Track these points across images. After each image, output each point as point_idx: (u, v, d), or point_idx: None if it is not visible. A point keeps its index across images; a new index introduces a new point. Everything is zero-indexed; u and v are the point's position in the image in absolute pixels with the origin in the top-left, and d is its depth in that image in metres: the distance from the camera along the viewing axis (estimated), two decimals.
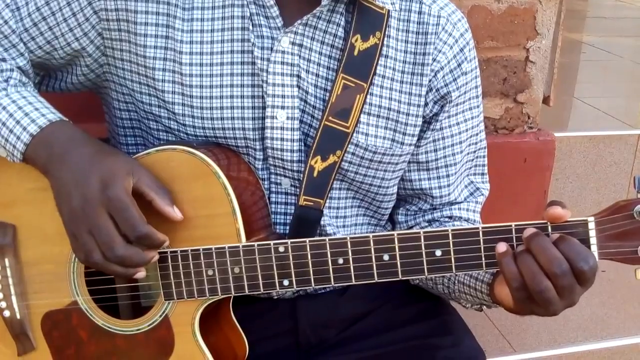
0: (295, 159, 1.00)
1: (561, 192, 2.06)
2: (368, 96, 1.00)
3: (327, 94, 0.99)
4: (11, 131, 0.91)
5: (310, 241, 0.91)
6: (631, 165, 2.30)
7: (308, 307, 1.10)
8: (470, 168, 1.14)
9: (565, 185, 2.15)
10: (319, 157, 0.99)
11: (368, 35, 0.98)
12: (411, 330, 1.11)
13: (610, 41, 4.01)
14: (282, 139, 0.99)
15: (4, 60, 0.98)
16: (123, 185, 0.86)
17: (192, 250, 0.92)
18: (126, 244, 0.87)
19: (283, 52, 0.97)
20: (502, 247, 0.87)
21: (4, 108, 0.93)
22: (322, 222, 1.03)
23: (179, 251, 0.92)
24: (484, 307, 1.06)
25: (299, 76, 0.98)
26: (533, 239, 0.85)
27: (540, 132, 1.82)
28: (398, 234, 0.90)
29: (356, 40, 0.97)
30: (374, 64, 0.98)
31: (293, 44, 0.97)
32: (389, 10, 0.99)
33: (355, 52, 0.97)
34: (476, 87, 1.08)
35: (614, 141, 2.26)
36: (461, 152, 1.09)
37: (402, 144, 1.04)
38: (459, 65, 1.03)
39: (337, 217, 1.07)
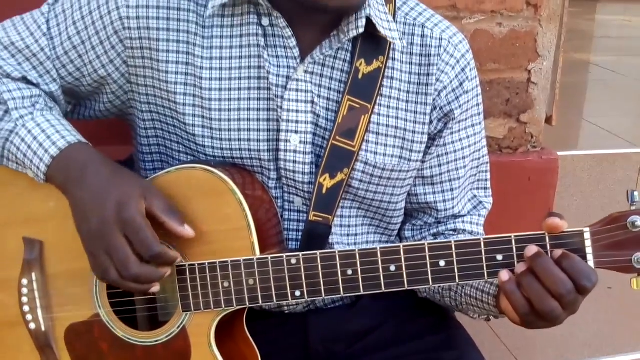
0: (306, 180, 1.04)
1: (566, 209, 2.08)
2: (374, 116, 1.04)
3: (335, 115, 1.03)
4: (35, 153, 0.97)
5: (320, 253, 0.94)
6: (635, 182, 2.33)
7: (318, 322, 1.13)
8: (473, 182, 1.17)
9: (571, 203, 2.16)
10: (327, 175, 1.03)
11: (372, 59, 1.02)
12: (418, 345, 1.14)
13: (618, 61, 4.03)
14: (294, 162, 1.04)
15: (37, 85, 1.04)
16: (137, 207, 0.90)
17: (209, 263, 0.96)
18: (140, 263, 0.91)
19: (298, 80, 1.01)
20: (505, 275, 0.90)
21: (29, 132, 0.98)
22: (330, 240, 1.06)
23: (196, 264, 0.96)
24: (492, 317, 1.08)
25: (312, 102, 1.03)
26: (535, 260, 0.88)
27: (543, 151, 1.84)
28: (404, 246, 0.93)
29: (360, 64, 1.02)
30: (377, 86, 1.03)
31: (306, 72, 1.02)
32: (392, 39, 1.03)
33: (360, 76, 1.02)
34: (477, 104, 1.12)
35: (618, 159, 2.29)
36: (464, 167, 1.13)
37: (409, 160, 1.08)
38: (461, 84, 1.07)
39: (348, 235, 1.11)
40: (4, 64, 1.03)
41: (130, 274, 0.90)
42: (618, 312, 2.07)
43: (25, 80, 1.03)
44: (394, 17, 1.04)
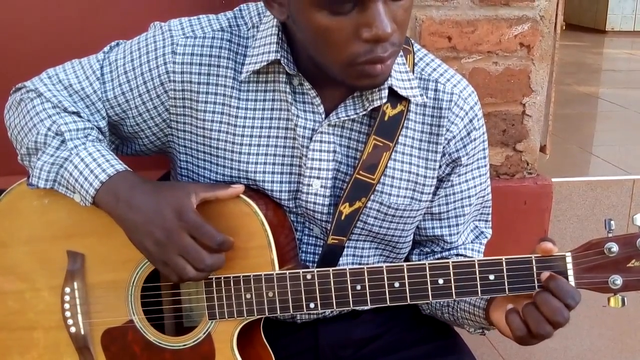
0: (324, 217, 1.13)
1: (563, 232, 2.10)
2: (393, 154, 1.12)
3: (359, 153, 1.11)
4: (86, 179, 1.05)
5: (333, 270, 1.03)
6: (628, 207, 2.41)
7: (327, 330, 1.21)
8: (476, 216, 1.25)
9: (567, 226, 2.18)
10: (347, 204, 1.11)
11: (396, 104, 1.11)
12: (418, 351, 1.22)
13: (622, 93, 4.07)
14: (314, 203, 1.12)
15: (88, 121, 1.13)
16: (191, 207, 1.00)
17: (233, 276, 1.04)
18: (210, 253, 1.00)
19: (322, 132, 1.09)
20: (508, 306, 1.00)
21: (82, 160, 1.06)
22: (341, 262, 1.14)
23: (222, 277, 1.05)
24: (485, 330, 1.16)
25: (334, 151, 1.11)
26: (538, 295, 0.97)
27: (538, 177, 1.89)
28: (407, 265, 1.01)
29: (387, 108, 1.10)
30: (400, 127, 1.11)
31: (329, 125, 1.10)
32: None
33: (386, 118, 1.10)
34: (483, 150, 1.20)
35: (611, 186, 2.36)
36: (470, 205, 1.20)
37: (420, 201, 1.16)
38: (469, 134, 1.16)
39: (354, 256, 1.19)
40: (63, 99, 1.12)
41: (206, 265, 0.99)
42: (610, 328, 2.10)
43: (78, 114, 1.12)
44: (412, 70, 1.13)
